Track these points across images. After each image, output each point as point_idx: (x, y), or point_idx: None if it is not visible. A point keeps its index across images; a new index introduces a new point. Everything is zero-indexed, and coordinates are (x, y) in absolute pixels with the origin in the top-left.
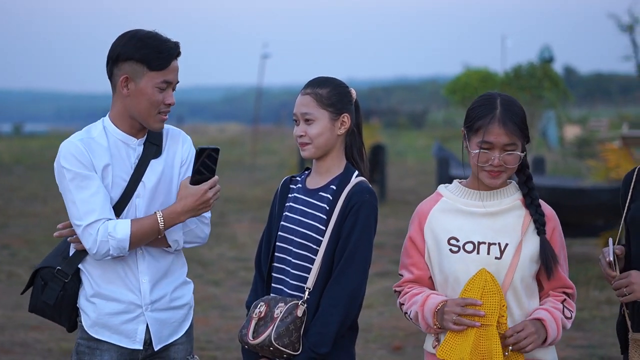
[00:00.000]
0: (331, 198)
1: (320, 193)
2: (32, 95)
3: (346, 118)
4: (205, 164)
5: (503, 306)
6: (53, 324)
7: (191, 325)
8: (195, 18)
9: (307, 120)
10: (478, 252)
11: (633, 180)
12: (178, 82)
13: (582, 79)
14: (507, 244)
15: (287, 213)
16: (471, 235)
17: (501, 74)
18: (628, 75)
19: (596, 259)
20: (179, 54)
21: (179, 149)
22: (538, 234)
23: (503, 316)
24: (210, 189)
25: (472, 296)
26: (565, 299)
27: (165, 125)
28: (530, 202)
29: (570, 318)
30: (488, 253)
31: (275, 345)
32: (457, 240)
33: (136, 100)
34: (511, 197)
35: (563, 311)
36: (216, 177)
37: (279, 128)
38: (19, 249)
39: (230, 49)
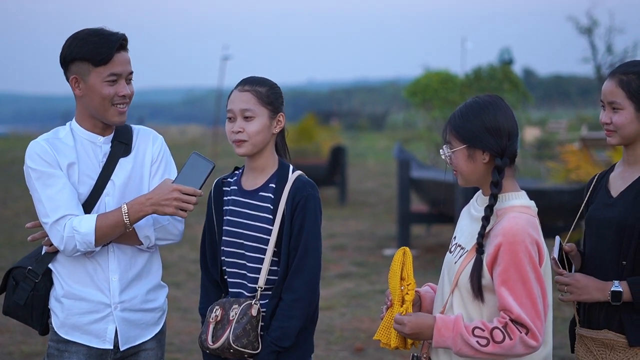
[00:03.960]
0: (273, 197)
1: (261, 193)
2: None
3: (282, 117)
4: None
5: (409, 285)
6: (13, 326)
7: (162, 332)
8: (155, 19)
9: (246, 117)
10: (451, 252)
11: (592, 185)
12: (131, 72)
13: (541, 81)
14: (467, 251)
15: (229, 217)
16: (460, 236)
17: (461, 76)
18: (587, 77)
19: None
20: (123, 45)
21: (150, 147)
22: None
23: (407, 294)
24: (182, 193)
25: (390, 275)
26: (506, 324)
27: (136, 126)
28: (484, 217)
29: (485, 346)
30: (453, 255)
31: (235, 347)
32: (454, 239)
33: (89, 98)
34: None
35: (473, 333)
36: (199, 190)
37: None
38: None
39: (190, 51)
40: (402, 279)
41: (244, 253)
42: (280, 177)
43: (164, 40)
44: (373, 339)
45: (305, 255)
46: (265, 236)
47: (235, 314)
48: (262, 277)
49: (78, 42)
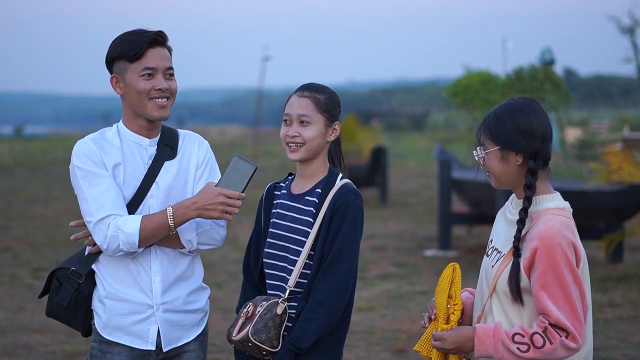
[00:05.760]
0: (317, 201)
1: (307, 197)
2: (32, 97)
3: (337, 126)
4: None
5: (455, 304)
6: (55, 326)
7: (205, 333)
8: (196, 19)
9: (302, 122)
10: (488, 256)
11: None
12: (169, 67)
13: (583, 81)
14: (504, 254)
15: (275, 220)
16: (497, 240)
17: (502, 77)
18: (628, 77)
19: (599, 262)
20: (157, 41)
21: (195, 152)
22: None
23: (453, 313)
24: (226, 197)
25: (438, 290)
26: (546, 328)
27: (182, 130)
28: (519, 220)
29: (526, 352)
30: (490, 259)
31: (253, 340)
32: (491, 243)
33: (129, 96)
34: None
35: (514, 339)
36: (242, 194)
37: (280, 130)
38: (21, 252)
39: (230, 51)
40: (449, 296)
41: (286, 256)
42: (327, 183)
43: (203, 40)
44: (413, 349)
45: (337, 260)
46: (303, 239)
47: (261, 309)
48: (293, 278)
49: (116, 43)
